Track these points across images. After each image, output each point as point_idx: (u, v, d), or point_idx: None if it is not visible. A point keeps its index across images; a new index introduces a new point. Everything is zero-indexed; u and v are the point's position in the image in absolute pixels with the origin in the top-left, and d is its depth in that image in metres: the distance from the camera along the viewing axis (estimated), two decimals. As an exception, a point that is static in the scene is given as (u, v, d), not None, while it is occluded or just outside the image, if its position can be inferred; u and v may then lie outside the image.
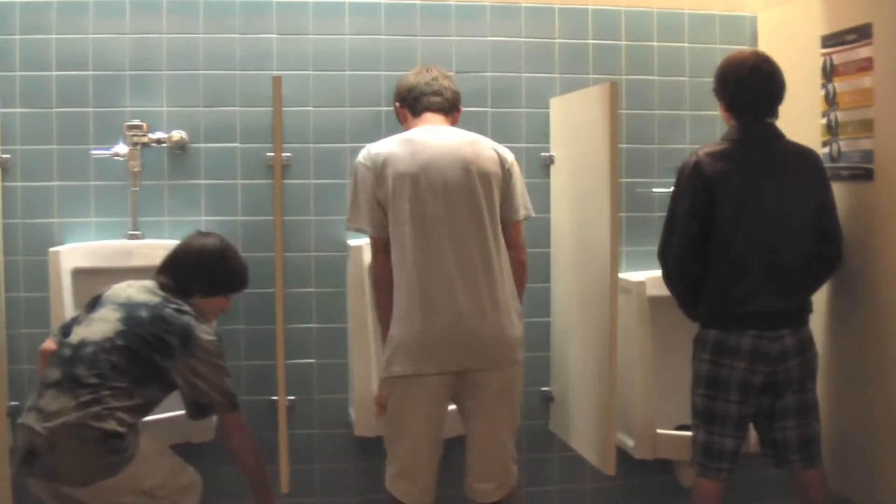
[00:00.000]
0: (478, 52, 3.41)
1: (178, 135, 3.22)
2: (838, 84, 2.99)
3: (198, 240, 2.89)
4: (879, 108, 2.80)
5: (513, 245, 2.75)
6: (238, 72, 3.28)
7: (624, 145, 3.36)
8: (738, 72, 2.81)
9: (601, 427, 2.92)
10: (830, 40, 3.02)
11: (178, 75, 3.26)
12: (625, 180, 3.40)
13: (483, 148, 2.72)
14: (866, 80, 2.85)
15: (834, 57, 3.00)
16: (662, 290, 2.92)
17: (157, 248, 3.08)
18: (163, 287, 2.78)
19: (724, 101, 2.87)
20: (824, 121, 3.06)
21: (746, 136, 2.80)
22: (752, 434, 2.91)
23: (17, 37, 3.18)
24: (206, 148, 3.28)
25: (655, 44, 3.51)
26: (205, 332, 2.71)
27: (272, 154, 3.06)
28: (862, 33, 2.85)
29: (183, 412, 2.75)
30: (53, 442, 2.48)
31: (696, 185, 2.76)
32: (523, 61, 3.44)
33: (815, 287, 2.88)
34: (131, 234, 3.18)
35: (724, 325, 2.77)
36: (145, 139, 3.16)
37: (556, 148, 3.40)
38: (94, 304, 2.75)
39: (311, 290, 3.34)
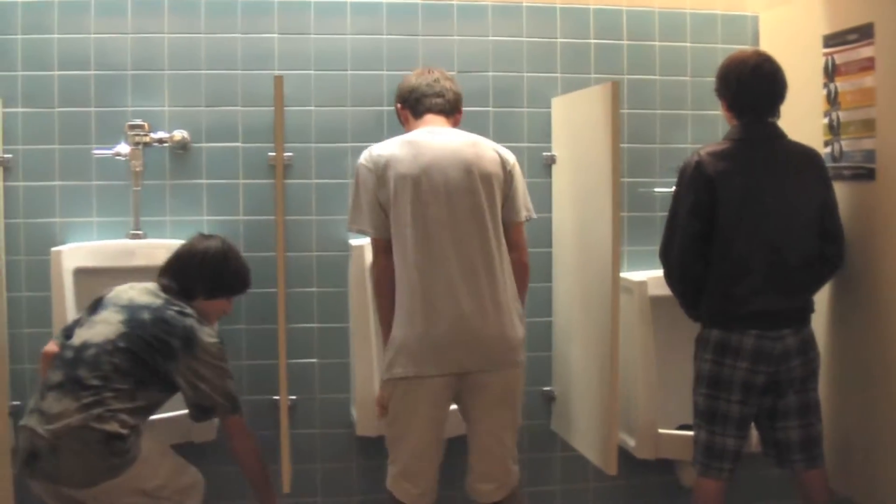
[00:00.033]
0: (479, 52, 3.41)
1: (179, 134, 3.22)
2: (840, 84, 2.98)
3: (200, 242, 2.89)
4: (881, 108, 2.80)
5: (515, 246, 2.75)
6: (240, 71, 3.28)
7: (625, 145, 3.35)
8: (739, 71, 2.81)
9: (603, 427, 2.92)
10: (832, 40, 3.01)
11: (179, 75, 3.26)
12: (626, 180, 3.40)
13: (485, 149, 2.72)
14: (868, 80, 2.85)
15: (836, 56, 3.00)
16: (664, 290, 2.92)
17: (158, 247, 3.09)
18: (165, 289, 2.78)
19: (725, 100, 2.87)
20: (826, 120, 3.05)
21: (748, 135, 2.80)
22: (754, 434, 2.91)
23: (19, 36, 3.18)
24: (208, 147, 3.28)
25: (657, 43, 3.51)
26: (207, 335, 2.71)
27: (274, 154, 3.06)
28: (864, 33, 2.85)
29: (184, 412, 2.75)
30: (55, 444, 2.48)
31: (698, 184, 2.76)
32: (525, 61, 3.44)
33: (816, 287, 2.88)
34: (133, 234, 3.18)
35: (726, 324, 2.76)
36: (147, 139, 3.16)
37: (558, 147, 3.40)
38: (95, 306, 2.75)
39: (313, 289, 3.34)
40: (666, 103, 3.52)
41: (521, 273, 2.77)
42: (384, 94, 3.31)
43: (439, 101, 2.80)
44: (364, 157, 2.71)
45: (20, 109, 3.18)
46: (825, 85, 3.05)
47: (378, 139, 3.00)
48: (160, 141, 3.18)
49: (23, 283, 3.18)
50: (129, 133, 3.15)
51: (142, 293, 2.75)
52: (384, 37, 3.35)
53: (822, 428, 2.82)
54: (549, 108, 3.43)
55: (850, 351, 2.95)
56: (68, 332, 2.75)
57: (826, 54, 3.04)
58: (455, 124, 2.84)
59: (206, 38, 3.27)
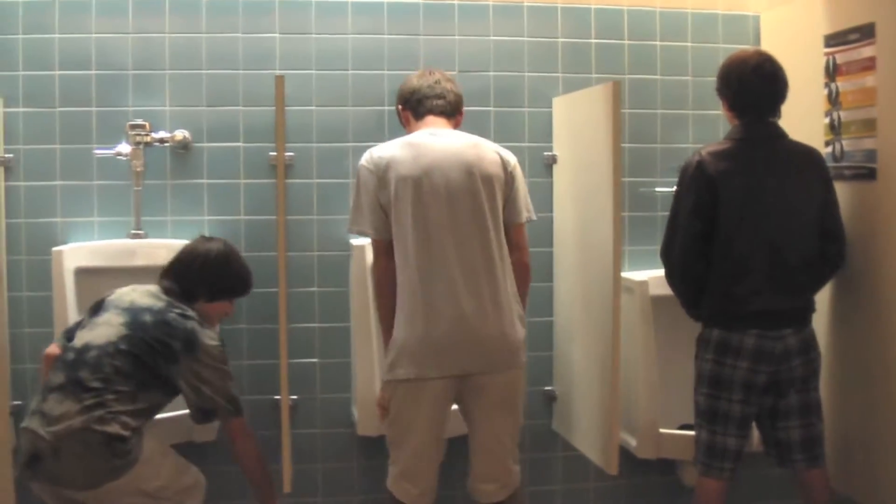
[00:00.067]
0: (481, 52, 3.41)
1: (180, 134, 3.22)
2: (841, 83, 2.98)
3: (202, 244, 2.89)
4: (882, 108, 2.80)
5: (516, 247, 2.75)
6: (241, 71, 3.28)
7: (627, 145, 3.35)
8: (741, 71, 2.80)
9: (604, 426, 2.92)
10: (833, 40, 3.01)
11: (180, 74, 3.26)
12: (627, 180, 3.40)
13: (486, 151, 2.72)
14: (869, 80, 2.85)
15: (837, 56, 3.00)
16: (665, 290, 2.92)
17: (159, 247, 3.09)
18: (167, 291, 2.78)
19: (726, 100, 2.87)
20: (827, 120, 3.05)
21: (749, 135, 2.80)
22: (755, 433, 2.91)
23: (21, 36, 3.18)
24: (209, 147, 3.28)
25: (658, 43, 3.51)
26: (209, 338, 2.71)
27: (275, 153, 3.06)
28: (865, 33, 2.85)
29: (185, 412, 2.75)
30: (57, 446, 2.48)
31: (699, 184, 2.76)
32: (526, 61, 3.44)
33: (818, 286, 2.88)
34: (134, 234, 3.18)
35: (727, 324, 2.76)
36: (148, 138, 3.16)
37: (559, 147, 3.40)
38: (97, 308, 2.75)
39: (314, 289, 3.34)
40: (667, 103, 3.52)
41: (523, 274, 2.77)
42: (385, 93, 3.31)
43: (440, 102, 2.80)
44: (365, 159, 2.71)
45: (21, 109, 3.18)
46: (826, 85, 3.05)
47: (379, 139, 3.01)
48: (161, 141, 3.19)
49: (24, 282, 3.18)
50: (130, 133, 3.15)
51: (143, 295, 2.75)
52: (385, 36, 3.35)
53: (822, 427, 2.82)
54: (551, 107, 3.43)
55: (850, 350, 2.95)
56: (70, 334, 2.75)
57: (827, 54, 3.04)
58: (456, 126, 2.84)
59: (207, 37, 3.27)
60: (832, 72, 3.02)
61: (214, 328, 2.86)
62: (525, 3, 3.43)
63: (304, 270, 3.31)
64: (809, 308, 2.83)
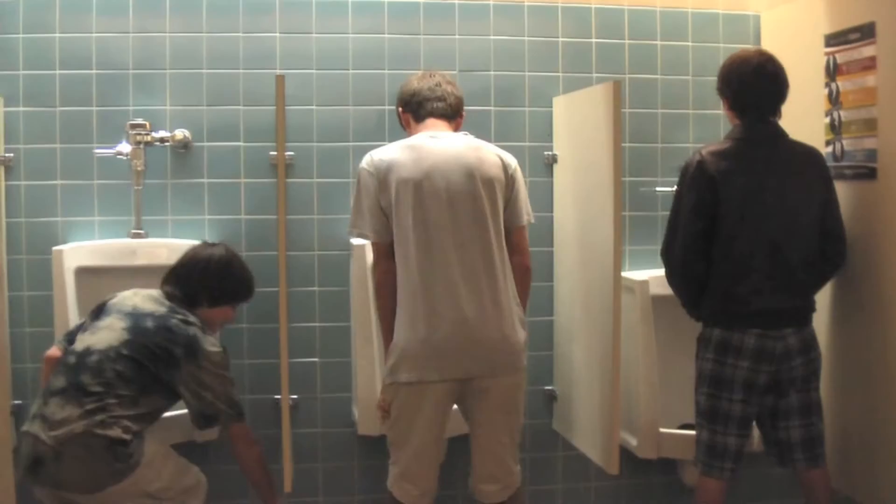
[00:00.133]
0: (481, 51, 3.41)
1: (181, 133, 3.22)
2: (842, 83, 2.98)
3: (204, 250, 2.89)
4: (883, 107, 2.80)
5: (517, 250, 2.75)
6: (241, 70, 3.28)
7: (627, 144, 3.35)
8: (741, 71, 2.81)
9: (604, 426, 2.93)
10: (834, 39, 3.01)
11: (181, 74, 3.26)
12: (628, 179, 3.40)
13: (487, 154, 2.72)
14: (870, 79, 2.84)
15: (837, 56, 3.00)
16: (665, 289, 2.92)
17: (160, 246, 3.09)
18: (169, 297, 2.78)
19: (727, 99, 2.87)
20: (828, 120, 3.05)
21: (750, 134, 2.80)
22: (756, 433, 2.91)
23: (21, 35, 3.18)
24: (210, 147, 3.28)
25: (659, 42, 3.51)
26: (211, 344, 2.71)
27: (275, 153, 3.07)
28: (865, 32, 2.85)
29: (185, 411, 2.74)
30: (59, 451, 2.48)
31: (700, 183, 2.76)
32: (526, 60, 3.44)
33: (818, 286, 2.88)
34: (135, 233, 3.18)
35: (728, 323, 2.76)
36: (148, 138, 3.16)
37: (560, 147, 3.40)
38: (99, 311, 2.75)
39: (315, 288, 3.34)
40: (667, 102, 3.52)
41: (524, 276, 2.77)
42: (386, 93, 3.31)
43: (441, 104, 2.79)
44: (366, 162, 2.71)
45: (22, 108, 3.18)
46: (827, 84, 3.05)
47: (380, 138, 3.01)
48: (162, 140, 3.19)
49: (24, 282, 3.18)
50: (130, 132, 3.15)
51: (146, 300, 2.75)
52: (386, 36, 3.35)
53: (823, 427, 2.82)
54: (551, 107, 3.43)
55: (851, 350, 2.95)
56: (71, 337, 2.76)
57: (827, 53, 3.04)
58: (456, 128, 2.84)
59: (207, 37, 3.27)
60: (832, 71, 3.02)
61: (216, 333, 2.86)
62: (525, 3, 3.43)
63: (304, 270, 3.31)
64: (810, 307, 2.83)
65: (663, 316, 3.19)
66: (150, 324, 2.67)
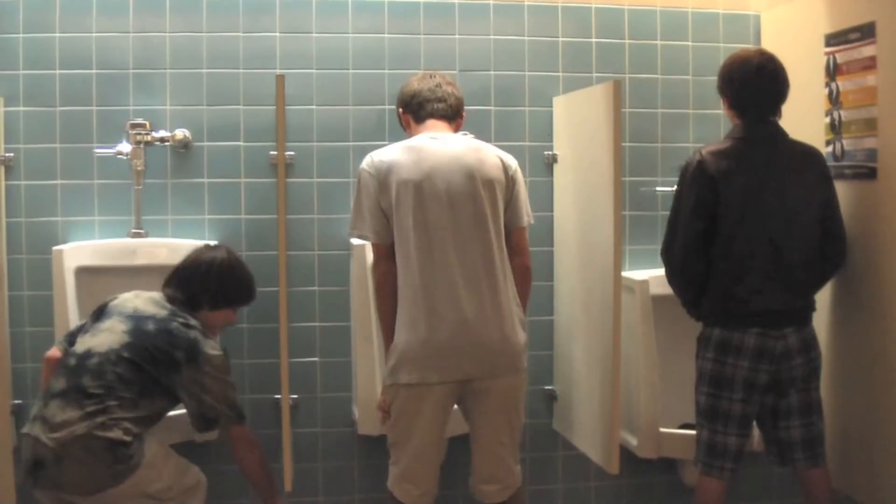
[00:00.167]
0: (481, 51, 3.41)
1: (181, 133, 3.22)
2: (842, 83, 2.98)
3: (206, 253, 2.89)
4: (883, 107, 2.80)
5: (518, 251, 2.75)
6: (241, 70, 3.28)
7: (627, 144, 3.35)
8: (742, 70, 2.81)
9: (605, 426, 2.93)
10: (834, 39, 3.01)
11: (181, 74, 3.26)
12: (628, 179, 3.40)
13: (487, 155, 2.72)
14: (870, 79, 2.84)
15: (837, 55, 3.00)
16: (666, 289, 2.92)
17: (160, 246, 3.09)
18: (170, 300, 2.78)
19: (727, 99, 2.87)
20: (828, 119, 3.05)
21: (750, 134, 2.80)
22: (756, 433, 2.91)
23: (21, 35, 3.17)
24: (210, 146, 3.28)
25: (659, 42, 3.51)
26: (212, 348, 2.71)
27: (275, 153, 3.06)
28: (865, 32, 2.85)
29: (185, 411, 2.74)
30: (60, 453, 2.48)
31: (700, 183, 2.76)
32: (527, 60, 3.43)
33: (818, 286, 2.88)
34: (135, 233, 3.17)
35: (728, 323, 2.77)
36: (149, 138, 3.16)
37: (560, 147, 3.39)
38: (100, 313, 2.75)
39: (315, 288, 3.34)
40: (668, 102, 3.52)
41: (525, 277, 2.77)
42: (386, 93, 3.31)
43: (441, 106, 2.79)
44: (366, 163, 2.70)
45: (22, 108, 3.18)
46: (827, 84, 3.05)
47: (380, 138, 3.01)
48: (162, 140, 3.18)
49: (24, 282, 3.18)
50: (130, 132, 3.15)
51: (147, 303, 2.74)
52: (386, 36, 3.35)
53: (823, 427, 2.82)
54: (551, 106, 3.43)
55: (851, 350, 2.95)
56: (71, 339, 2.75)
57: (828, 53, 3.04)
58: (457, 129, 2.84)
59: (207, 36, 3.26)
60: (833, 71, 3.02)
61: (216, 337, 2.86)
62: (525, 3, 3.43)
63: (304, 269, 3.31)
64: (810, 307, 2.83)
65: (663, 316, 3.19)
66: (151, 327, 2.67)
